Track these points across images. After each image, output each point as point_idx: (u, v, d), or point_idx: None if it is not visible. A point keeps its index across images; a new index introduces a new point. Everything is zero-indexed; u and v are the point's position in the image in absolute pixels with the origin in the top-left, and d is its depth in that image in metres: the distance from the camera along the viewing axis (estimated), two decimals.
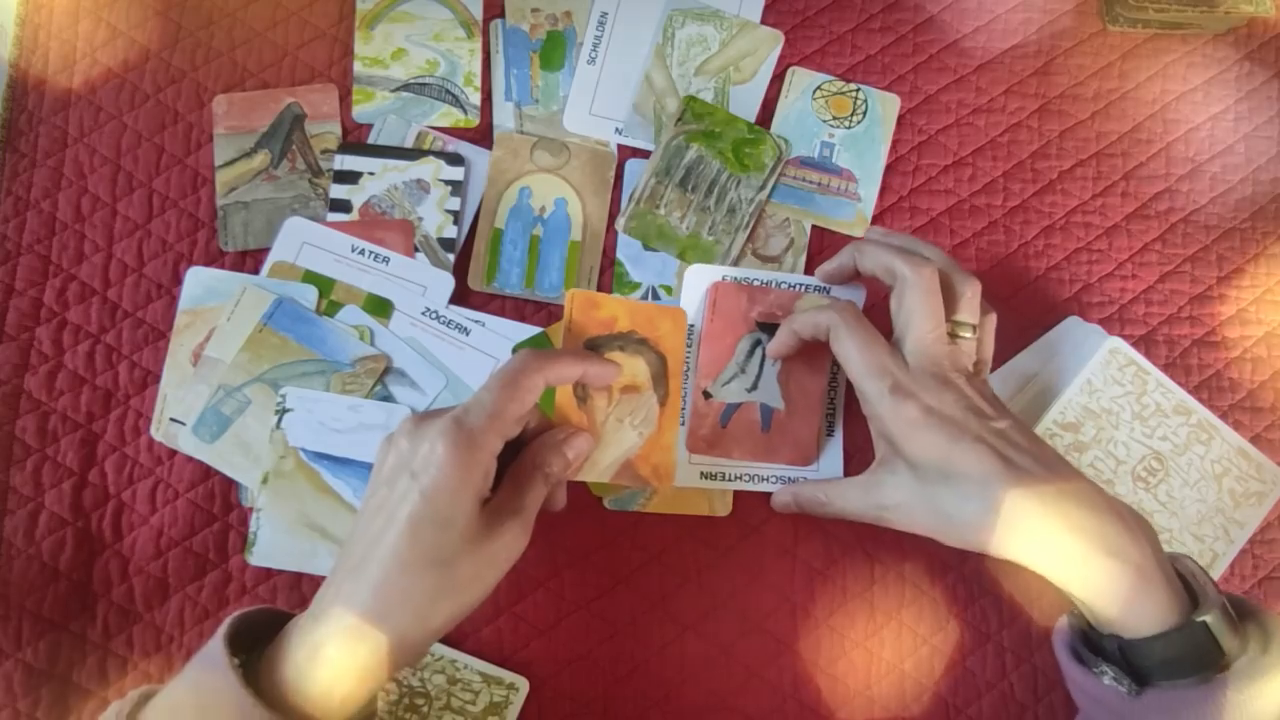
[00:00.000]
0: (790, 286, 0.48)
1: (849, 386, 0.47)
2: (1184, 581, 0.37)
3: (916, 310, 0.40)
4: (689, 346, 0.47)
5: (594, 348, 0.44)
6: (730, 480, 0.47)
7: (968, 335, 0.41)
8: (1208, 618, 0.35)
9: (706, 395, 0.47)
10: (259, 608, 0.37)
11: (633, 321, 0.45)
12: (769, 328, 0.47)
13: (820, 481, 0.45)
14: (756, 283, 0.47)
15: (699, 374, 0.47)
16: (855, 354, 0.40)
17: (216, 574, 0.47)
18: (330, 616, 0.34)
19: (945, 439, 0.38)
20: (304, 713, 0.33)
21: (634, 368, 0.44)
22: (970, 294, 0.41)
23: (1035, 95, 0.54)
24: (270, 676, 0.34)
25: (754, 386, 0.47)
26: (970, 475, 0.37)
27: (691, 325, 0.47)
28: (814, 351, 0.46)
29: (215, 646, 0.33)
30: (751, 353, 0.47)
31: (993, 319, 0.43)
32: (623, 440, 0.44)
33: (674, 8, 0.53)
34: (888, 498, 0.40)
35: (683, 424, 0.47)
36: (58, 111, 0.51)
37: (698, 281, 0.48)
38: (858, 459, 0.48)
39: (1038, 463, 0.37)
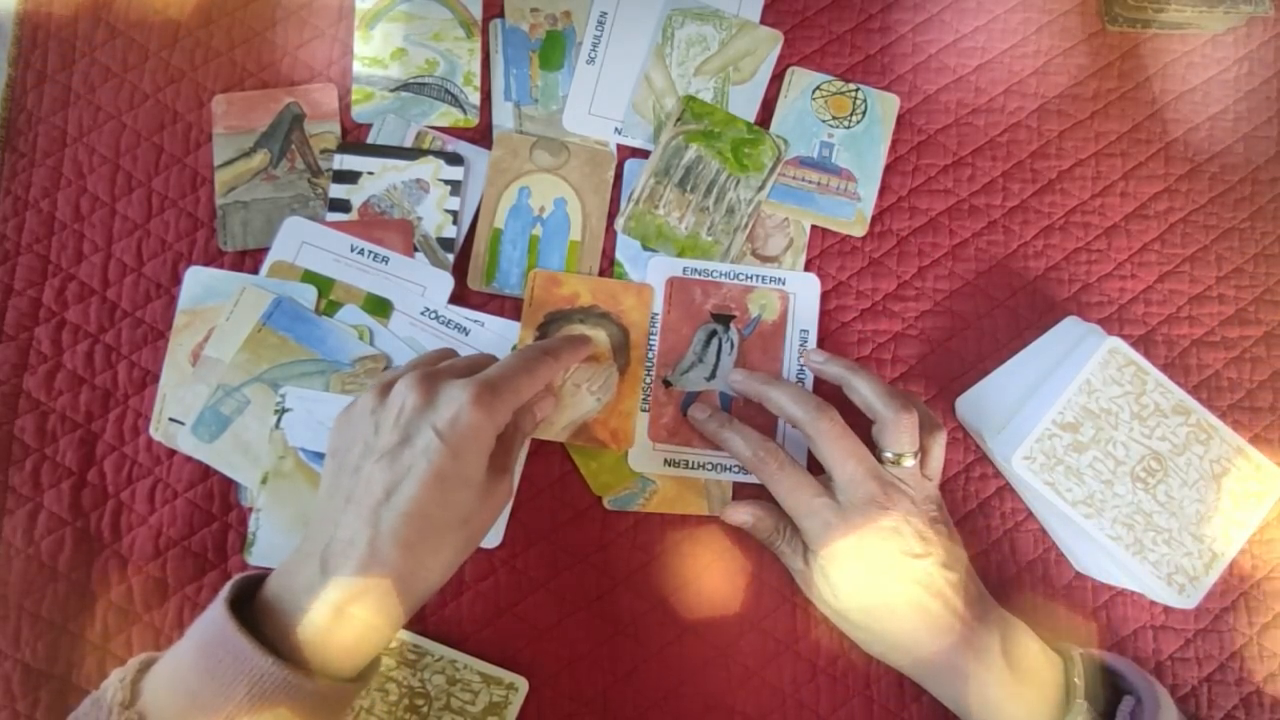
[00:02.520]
0: (744, 279, 0.50)
1: (805, 376, 0.49)
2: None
3: (831, 457, 0.43)
4: (652, 330, 0.49)
5: (554, 321, 0.48)
6: (694, 468, 0.48)
7: (908, 463, 0.43)
8: None
9: (667, 384, 0.48)
10: (258, 572, 0.37)
11: (595, 297, 0.49)
12: (723, 319, 0.49)
13: (776, 533, 0.45)
14: (712, 276, 0.49)
15: (659, 363, 0.48)
16: (786, 495, 0.43)
17: (216, 574, 0.47)
18: (354, 576, 0.34)
19: (864, 575, 0.42)
20: (324, 670, 0.34)
21: (594, 339, 0.48)
22: (905, 423, 0.42)
23: (1035, 95, 0.54)
24: (280, 635, 0.34)
25: (712, 375, 0.49)
26: (880, 615, 0.42)
27: (655, 314, 0.49)
28: (770, 341, 0.49)
29: (218, 612, 0.33)
30: (708, 343, 0.49)
31: (941, 436, 0.44)
32: (579, 404, 0.47)
33: (674, 8, 0.53)
34: (817, 595, 0.44)
35: (645, 410, 0.48)
36: (57, 111, 0.51)
37: (658, 272, 0.50)
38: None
39: (946, 607, 0.41)
